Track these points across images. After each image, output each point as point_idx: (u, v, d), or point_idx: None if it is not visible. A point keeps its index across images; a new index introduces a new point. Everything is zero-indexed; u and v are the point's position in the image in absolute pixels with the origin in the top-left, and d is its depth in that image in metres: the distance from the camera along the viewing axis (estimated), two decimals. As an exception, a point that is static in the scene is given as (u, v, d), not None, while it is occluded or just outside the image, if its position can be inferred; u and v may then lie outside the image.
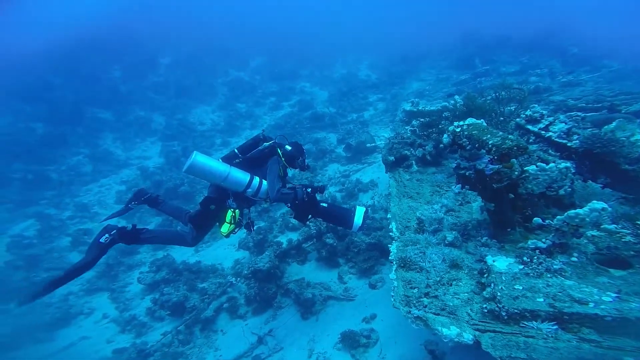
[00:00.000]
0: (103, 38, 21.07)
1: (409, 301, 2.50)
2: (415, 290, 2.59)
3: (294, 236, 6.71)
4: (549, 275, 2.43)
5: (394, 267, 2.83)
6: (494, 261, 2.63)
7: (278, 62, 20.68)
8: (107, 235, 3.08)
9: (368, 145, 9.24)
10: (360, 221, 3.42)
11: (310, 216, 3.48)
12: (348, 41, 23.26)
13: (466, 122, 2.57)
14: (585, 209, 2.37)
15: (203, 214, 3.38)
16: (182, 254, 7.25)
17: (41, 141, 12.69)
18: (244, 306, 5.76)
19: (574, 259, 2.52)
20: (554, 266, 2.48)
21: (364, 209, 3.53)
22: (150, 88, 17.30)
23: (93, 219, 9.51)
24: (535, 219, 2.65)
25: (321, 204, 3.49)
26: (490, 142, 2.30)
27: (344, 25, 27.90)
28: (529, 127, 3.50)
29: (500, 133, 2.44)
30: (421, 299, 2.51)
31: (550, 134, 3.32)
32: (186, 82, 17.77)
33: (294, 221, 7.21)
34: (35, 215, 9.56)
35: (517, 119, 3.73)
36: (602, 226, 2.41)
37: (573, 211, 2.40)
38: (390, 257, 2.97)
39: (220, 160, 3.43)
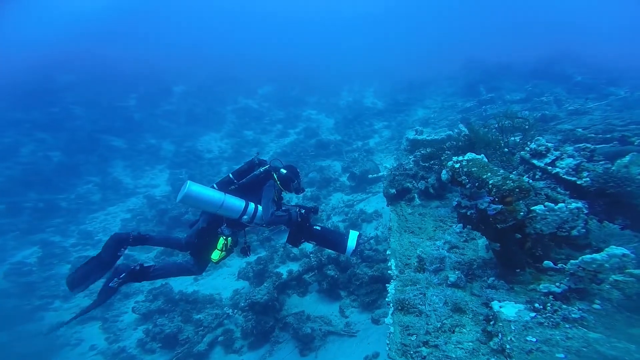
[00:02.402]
0: (123, 69, 22.37)
1: (405, 351, 2.28)
2: (414, 338, 2.38)
3: (295, 267, 6.50)
4: (567, 326, 2.17)
5: (391, 310, 2.63)
6: (500, 307, 2.41)
7: (285, 89, 21.43)
8: (116, 279, 3.05)
9: (370, 176, 9.15)
10: (354, 245, 3.33)
11: (303, 239, 3.39)
12: (354, 69, 24.10)
13: (465, 158, 2.47)
14: (603, 254, 2.16)
15: (198, 244, 3.33)
16: (180, 283, 7.08)
17: (56, 170, 13.11)
18: (239, 340, 5.48)
19: (596, 306, 2.26)
20: (573, 315, 2.22)
21: (358, 233, 3.46)
22: (162, 116, 17.98)
23: (96, 246, 9.50)
24: (545, 262, 2.45)
25: (315, 226, 3.43)
26: (490, 182, 2.17)
27: (350, 53, 29.04)
28: (534, 161, 3.36)
29: (501, 171, 2.31)
30: (419, 349, 2.28)
31: (558, 170, 3.16)
32: (197, 110, 18.44)
33: (295, 251, 7.03)
34: (40, 242, 9.64)
35: (522, 152, 3.61)
36: (626, 270, 2.18)
37: (589, 256, 2.20)
38: (387, 299, 2.77)
39: (215, 186, 3.40)
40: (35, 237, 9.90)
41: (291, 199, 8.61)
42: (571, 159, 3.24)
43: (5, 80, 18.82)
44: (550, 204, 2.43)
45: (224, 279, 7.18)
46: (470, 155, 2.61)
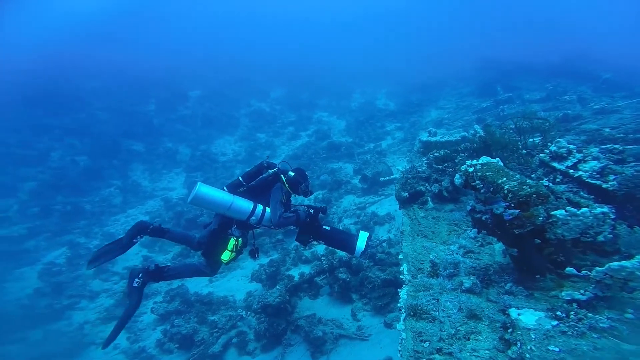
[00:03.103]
0: (143, 75, 23.18)
1: (418, 358, 2.23)
2: (427, 345, 2.32)
3: (307, 269, 6.51)
4: (595, 336, 2.05)
5: (403, 316, 2.58)
6: (519, 314, 2.33)
7: (297, 92, 21.56)
8: (136, 279, 3.19)
9: (382, 179, 9.05)
10: (363, 246, 3.30)
11: (311, 239, 3.40)
12: (366, 70, 23.94)
13: (480, 162, 2.39)
14: (634, 261, 2.04)
15: (210, 245, 3.40)
16: (196, 284, 7.22)
17: (82, 174, 13.72)
18: (253, 342, 5.53)
19: (629, 315, 2.12)
20: (601, 324, 2.10)
21: (367, 234, 3.43)
22: (179, 120, 18.48)
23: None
24: (568, 268, 2.34)
25: (324, 226, 3.44)
26: (505, 187, 2.08)
27: (362, 54, 28.90)
28: (554, 164, 3.22)
29: (518, 176, 2.21)
30: (432, 356, 2.23)
31: (581, 173, 3.01)
32: (212, 113, 18.84)
33: (307, 253, 7.03)
34: (68, 243, 10.10)
35: (541, 155, 3.46)
36: (660, 278, 2.04)
37: (617, 263, 2.08)
38: (399, 304, 2.73)
39: (225, 188, 3.48)
40: (64, 239, 10.39)
41: (303, 201, 8.66)
42: (595, 161, 3.09)
43: (38, 85, 19.87)
44: (572, 208, 2.32)
45: (238, 281, 7.27)
46: (484, 159, 2.54)
